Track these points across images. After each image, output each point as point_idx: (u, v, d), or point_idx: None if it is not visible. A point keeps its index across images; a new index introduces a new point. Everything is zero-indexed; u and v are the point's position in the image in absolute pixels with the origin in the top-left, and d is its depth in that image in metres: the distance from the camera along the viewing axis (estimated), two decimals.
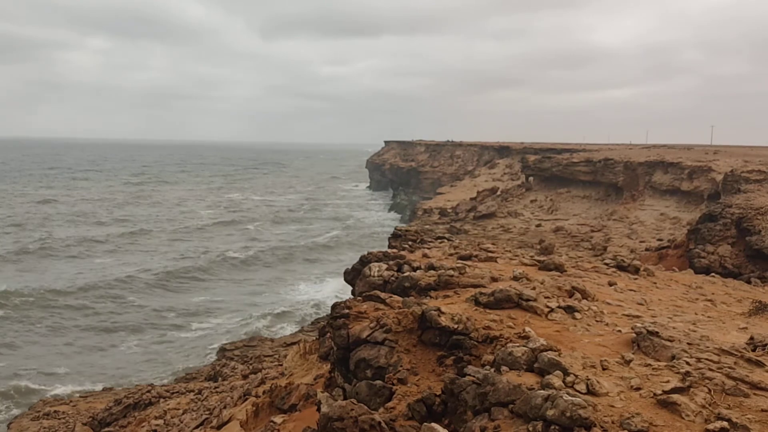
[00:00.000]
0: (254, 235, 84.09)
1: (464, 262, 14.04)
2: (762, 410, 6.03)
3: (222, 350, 35.65)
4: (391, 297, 10.70)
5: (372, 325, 10.05)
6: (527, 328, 9.24)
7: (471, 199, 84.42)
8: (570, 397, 6.03)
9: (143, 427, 23.00)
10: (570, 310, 10.03)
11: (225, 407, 18.56)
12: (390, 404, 8.88)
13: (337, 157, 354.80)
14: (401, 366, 9.45)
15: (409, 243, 19.50)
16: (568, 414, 5.88)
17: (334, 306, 10.70)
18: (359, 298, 10.97)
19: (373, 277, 13.57)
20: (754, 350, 7.81)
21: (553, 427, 5.92)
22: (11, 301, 46.52)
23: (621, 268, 14.84)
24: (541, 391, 6.33)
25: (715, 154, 68.43)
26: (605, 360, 7.30)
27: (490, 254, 14.57)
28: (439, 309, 9.58)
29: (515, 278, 11.98)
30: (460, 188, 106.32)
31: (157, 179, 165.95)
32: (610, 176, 68.40)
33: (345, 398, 9.61)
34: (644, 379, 6.74)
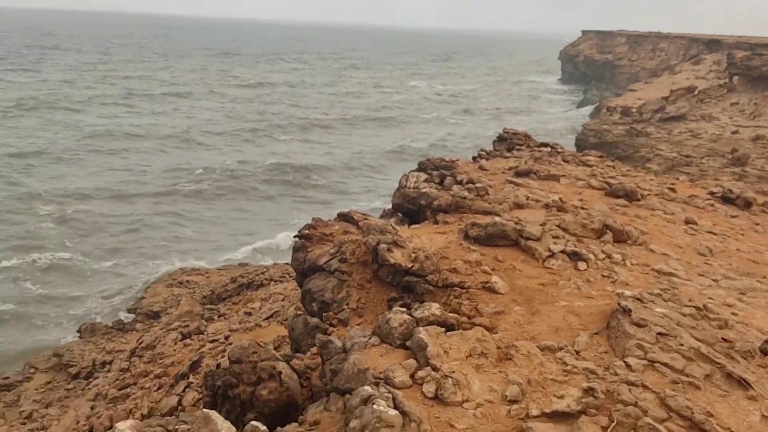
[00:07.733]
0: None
1: (517, 179, 11.76)
2: None
3: None
4: (366, 219, 9.01)
5: (332, 250, 8.52)
6: (494, 278, 7.21)
7: (662, 98, 75.63)
8: (382, 407, 4.22)
9: (247, 306, 23.74)
10: (575, 257, 7.71)
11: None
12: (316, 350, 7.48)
13: (532, 48, 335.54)
14: (347, 304, 7.92)
15: (505, 149, 17.17)
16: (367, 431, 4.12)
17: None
18: (335, 217, 9.39)
19: (409, 188, 11.83)
20: None
21: None
22: None
23: (726, 199, 11.63)
24: (367, 388, 4.56)
25: None
26: (515, 347, 5.19)
27: (553, 172, 12.07)
28: (395, 241, 7.77)
29: (546, 206, 9.65)
30: (656, 85, 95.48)
31: None
32: None
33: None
34: (536, 387, 4.64)
